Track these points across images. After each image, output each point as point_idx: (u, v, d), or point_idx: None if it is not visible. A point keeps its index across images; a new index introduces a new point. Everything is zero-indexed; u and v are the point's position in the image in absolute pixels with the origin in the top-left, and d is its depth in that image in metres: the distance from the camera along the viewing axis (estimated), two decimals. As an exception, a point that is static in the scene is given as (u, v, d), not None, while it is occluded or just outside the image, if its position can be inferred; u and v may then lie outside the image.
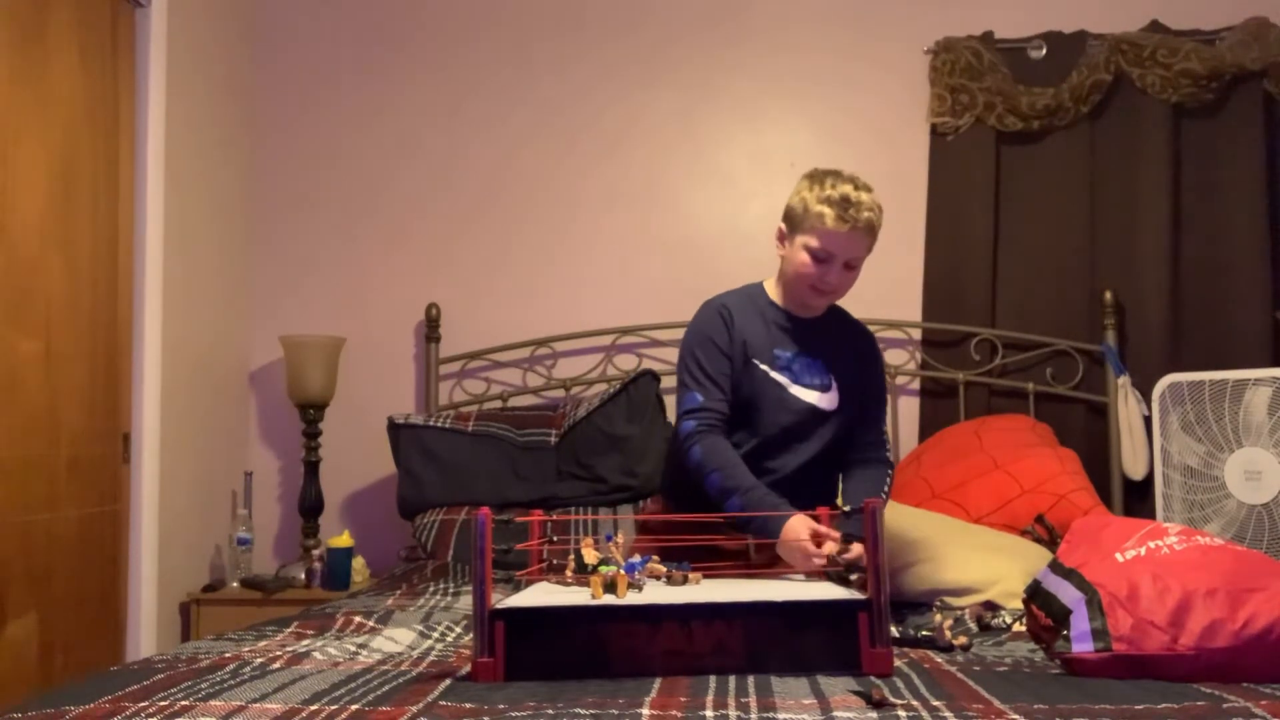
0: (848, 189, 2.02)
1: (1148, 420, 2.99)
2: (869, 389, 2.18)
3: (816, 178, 2.07)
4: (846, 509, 1.85)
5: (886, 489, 2.10)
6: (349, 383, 3.36)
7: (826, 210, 2.01)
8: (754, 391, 2.07)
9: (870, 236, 2.06)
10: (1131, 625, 1.45)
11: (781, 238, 2.13)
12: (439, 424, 3.10)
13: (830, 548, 1.84)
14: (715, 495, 1.99)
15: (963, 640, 1.69)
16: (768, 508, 1.93)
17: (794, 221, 2.08)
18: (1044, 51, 3.32)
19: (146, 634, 2.78)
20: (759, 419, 2.07)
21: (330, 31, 3.56)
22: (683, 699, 1.25)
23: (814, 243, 2.03)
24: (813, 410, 2.08)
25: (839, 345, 2.16)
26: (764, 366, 2.08)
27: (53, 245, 2.49)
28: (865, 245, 2.07)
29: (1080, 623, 1.49)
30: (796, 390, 2.08)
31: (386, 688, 1.37)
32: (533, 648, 1.40)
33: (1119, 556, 1.58)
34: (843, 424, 2.12)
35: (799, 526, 1.89)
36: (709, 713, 1.19)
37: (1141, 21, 3.29)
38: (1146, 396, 2.97)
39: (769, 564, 1.95)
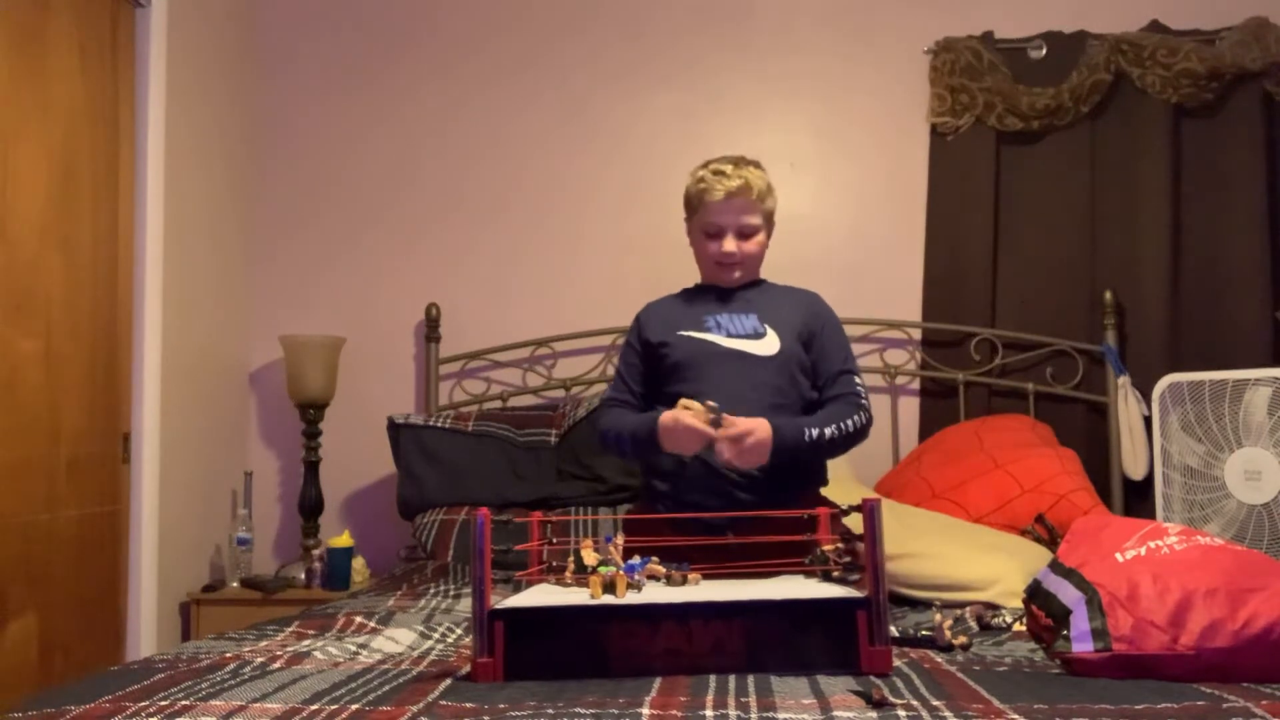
0: (721, 164, 2.19)
1: (1148, 420, 2.99)
2: (826, 344, 2.19)
3: (699, 165, 2.24)
4: (844, 507, 1.85)
5: (852, 417, 2.09)
6: (349, 383, 3.37)
7: (704, 186, 2.18)
8: (685, 354, 2.16)
9: (750, 199, 2.17)
10: (1131, 625, 1.45)
11: (687, 231, 2.28)
12: (439, 424, 3.10)
13: (698, 415, 1.95)
14: (614, 446, 2.17)
15: (963, 640, 1.69)
16: (639, 422, 2.10)
17: (688, 209, 2.28)
18: (1044, 51, 3.33)
19: (146, 634, 2.78)
20: (695, 375, 2.14)
21: (330, 29, 3.56)
22: (682, 699, 1.25)
23: (704, 219, 2.20)
24: (744, 356, 2.13)
25: (776, 301, 2.23)
26: (690, 332, 2.18)
27: (53, 245, 2.49)
28: (751, 210, 2.18)
29: (1080, 622, 1.49)
30: (728, 342, 2.15)
31: (387, 688, 1.37)
32: (532, 648, 1.40)
33: (1119, 556, 1.58)
34: (791, 369, 2.14)
35: (668, 414, 2.01)
36: (709, 712, 1.19)
37: (1141, 21, 3.29)
38: (1146, 396, 2.97)
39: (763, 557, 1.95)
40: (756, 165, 2.21)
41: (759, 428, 1.98)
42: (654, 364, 2.21)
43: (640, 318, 2.28)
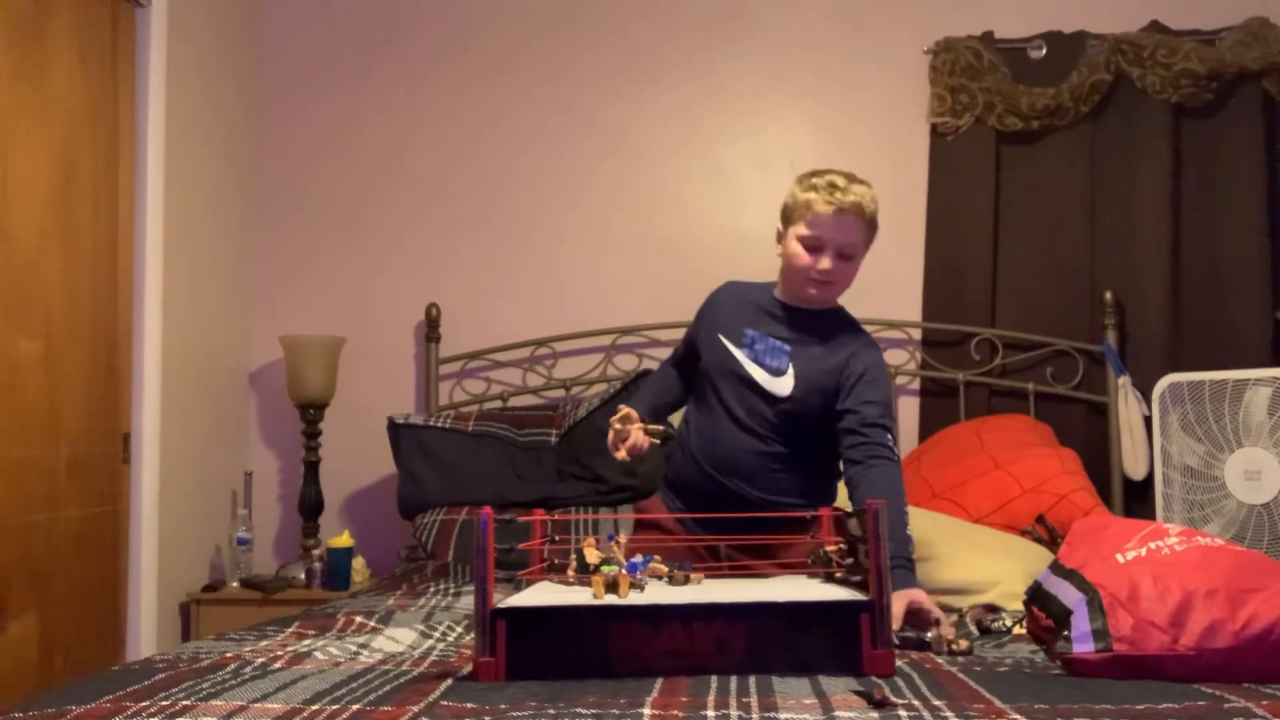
0: (834, 177, 2.06)
1: (1148, 420, 2.99)
2: (855, 392, 2.04)
3: (807, 174, 2.12)
4: (845, 510, 1.85)
5: (903, 495, 1.97)
6: (349, 383, 3.36)
7: (813, 195, 2.04)
8: (714, 361, 2.17)
9: (860, 219, 2.05)
10: (1132, 626, 1.45)
11: (779, 237, 2.15)
12: (439, 424, 3.10)
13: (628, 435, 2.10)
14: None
15: (964, 645, 1.68)
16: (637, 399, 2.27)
17: (787, 216, 2.12)
18: (1044, 51, 3.32)
19: (146, 634, 2.78)
20: (711, 386, 2.16)
21: (330, 31, 3.56)
22: (684, 699, 1.25)
23: (804, 230, 2.06)
24: (755, 386, 2.10)
25: (819, 342, 2.11)
26: (727, 342, 2.16)
27: (53, 245, 2.49)
28: (857, 231, 2.06)
29: (1081, 623, 1.49)
30: (750, 367, 2.12)
31: (387, 687, 1.37)
32: (534, 647, 1.40)
33: (1119, 557, 1.58)
34: (797, 415, 2.07)
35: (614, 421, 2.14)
36: (710, 713, 1.19)
37: (1141, 21, 3.29)
38: (1146, 396, 2.97)
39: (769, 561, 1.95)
40: (864, 182, 2.08)
41: (921, 602, 1.79)
42: (697, 352, 2.25)
43: (711, 300, 2.28)
